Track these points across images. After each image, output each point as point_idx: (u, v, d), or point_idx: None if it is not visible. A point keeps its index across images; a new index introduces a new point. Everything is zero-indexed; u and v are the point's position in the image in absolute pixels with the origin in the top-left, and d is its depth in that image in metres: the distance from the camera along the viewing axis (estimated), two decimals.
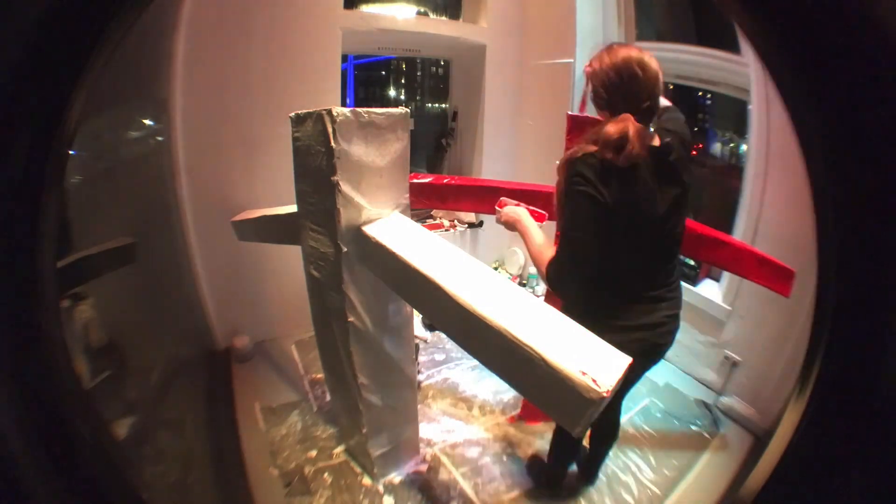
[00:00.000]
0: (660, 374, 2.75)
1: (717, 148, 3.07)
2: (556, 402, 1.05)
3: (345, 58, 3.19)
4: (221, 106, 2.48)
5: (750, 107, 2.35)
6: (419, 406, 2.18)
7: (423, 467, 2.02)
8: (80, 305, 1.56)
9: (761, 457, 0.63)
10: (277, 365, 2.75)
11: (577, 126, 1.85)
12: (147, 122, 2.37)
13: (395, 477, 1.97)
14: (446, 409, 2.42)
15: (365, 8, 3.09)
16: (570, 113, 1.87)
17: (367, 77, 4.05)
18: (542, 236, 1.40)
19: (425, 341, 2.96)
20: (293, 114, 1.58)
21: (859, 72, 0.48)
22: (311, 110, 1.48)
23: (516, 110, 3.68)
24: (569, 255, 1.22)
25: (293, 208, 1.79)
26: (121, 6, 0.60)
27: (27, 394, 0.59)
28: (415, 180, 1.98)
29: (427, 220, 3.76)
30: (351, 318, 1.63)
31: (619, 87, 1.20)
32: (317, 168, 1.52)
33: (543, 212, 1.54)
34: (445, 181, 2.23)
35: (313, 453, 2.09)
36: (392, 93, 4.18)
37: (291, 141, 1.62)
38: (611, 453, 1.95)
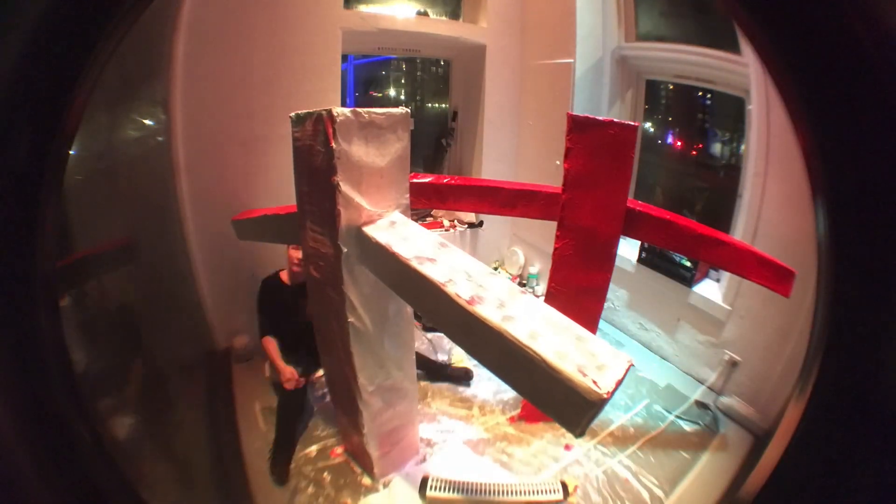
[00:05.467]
0: (660, 374, 2.75)
1: (716, 148, 3.06)
2: (556, 403, 1.05)
3: (345, 58, 3.19)
4: (221, 106, 2.47)
5: (750, 107, 2.34)
6: (419, 406, 2.18)
7: (423, 467, 2.02)
8: None
9: (761, 457, 0.63)
10: None
11: (577, 126, 1.86)
12: (147, 122, 2.36)
13: (395, 476, 1.96)
14: (446, 409, 2.42)
15: (365, 8, 3.09)
16: (570, 113, 1.87)
17: (367, 77, 4.05)
18: None
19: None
20: (293, 114, 1.58)
21: (859, 71, 0.48)
22: (311, 110, 1.48)
23: (516, 110, 3.67)
24: None
25: (294, 208, 1.79)
26: (121, 6, 0.60)
27: (27, 393, 0.59)
28: (415, 180, 1.98)
29: (426, 219, 3.76)
30: (351, 319, 1.63)
31: None
32: (317, 168, 1.51)
33: None
34: (445, 181, 2.23)
35: (313, 453, 2.09)
36: (392, 93, 4.18)
37: (291, 141, 1.62)
38: (610, 453, 1.97)
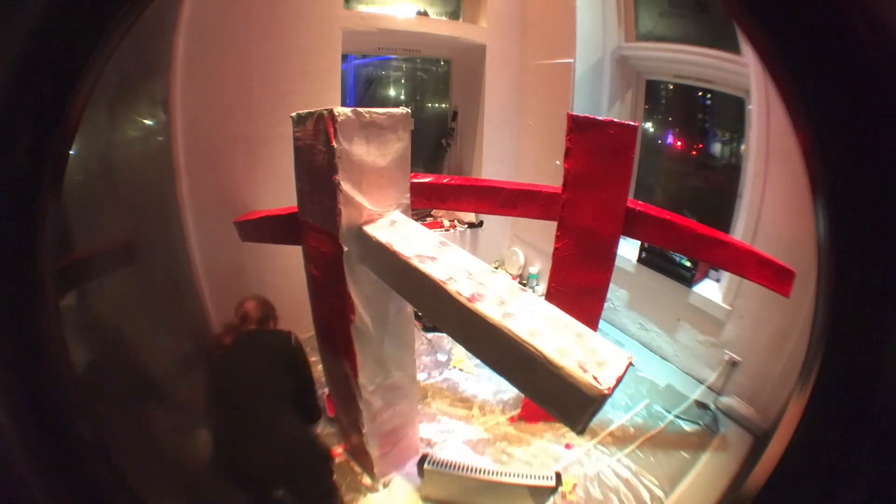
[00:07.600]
0: (660, 374, 2.75)
1: (716, 148, 3.07)
2: (557, 399, 1.05)
3: (345, 58, 3.19)
4: (221, 106, 2.47)
5: (750, 107, 2.34)
6: (419, 406, 2.18)
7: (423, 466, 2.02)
8: None
9: (761, 457, 0.63)
10: None
11: (577, 126, 1.86)
12: (147, 122, 2.36)
13: (395, 476, 1.96)
14: (446, 409, 2.42)
15: (364, 8, 3.08)
16: (570, 113, 1.87)
17: (367, 76, 4.04)
18: None
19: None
20: (294, 114, 1.58)
21: (859, 71, 0.48)
22: (312, 110, 1.48)
23: (516, 110, 3.67)
24: None
25: (296, 209, 1.79)
26: (121, 6, 0.60)
27: (27, 393, 0.59)
28: (415, 180, 1.98)
29: (426, 219, 3.76)
30: (352, 318, 1.63)
31: None
32: (318, 168, 1.52)
33: None
34: (445, 181, 2.23)
35: None
36: (392, 93, 4.17)
37: (292, 140, 1.62)
38: (610, 452, 1.96)
